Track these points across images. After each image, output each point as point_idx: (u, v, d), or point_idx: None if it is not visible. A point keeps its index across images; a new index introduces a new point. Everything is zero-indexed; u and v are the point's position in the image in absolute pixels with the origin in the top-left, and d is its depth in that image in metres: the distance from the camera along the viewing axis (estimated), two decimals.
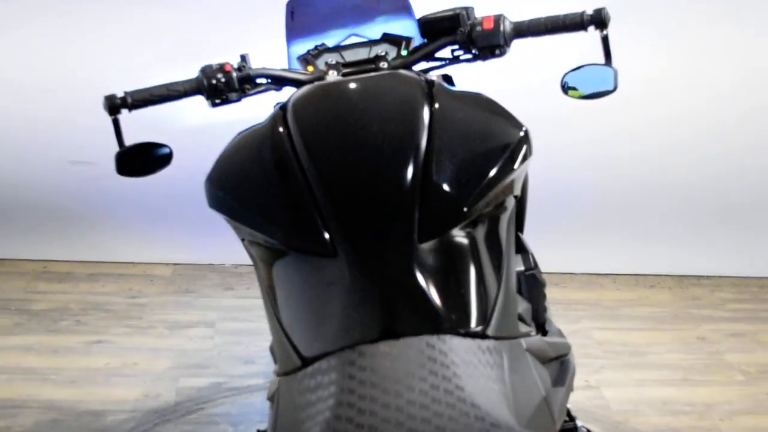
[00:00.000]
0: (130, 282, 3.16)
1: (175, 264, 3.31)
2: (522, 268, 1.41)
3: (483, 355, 1.04)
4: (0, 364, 2.57)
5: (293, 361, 1.10)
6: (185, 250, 3.32)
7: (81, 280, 3.15)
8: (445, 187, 1.11)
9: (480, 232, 1.14)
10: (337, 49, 1.55)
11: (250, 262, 1.36)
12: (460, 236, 1.11)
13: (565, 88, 1.52)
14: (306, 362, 1.07)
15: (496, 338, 1.09)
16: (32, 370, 2.55)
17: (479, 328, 1.07)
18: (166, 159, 1.54)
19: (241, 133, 1.31)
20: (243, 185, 1.23)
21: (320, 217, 1.10)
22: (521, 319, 1.26)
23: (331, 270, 1.07)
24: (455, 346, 1.01)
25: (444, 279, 1.07)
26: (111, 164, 3.12)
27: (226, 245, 3.16)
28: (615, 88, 1.46)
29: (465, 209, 1.11)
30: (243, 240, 1.31)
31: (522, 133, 1.21)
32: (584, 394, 2.59)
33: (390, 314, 1.04)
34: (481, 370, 1.01)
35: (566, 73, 1.50)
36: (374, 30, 1.57)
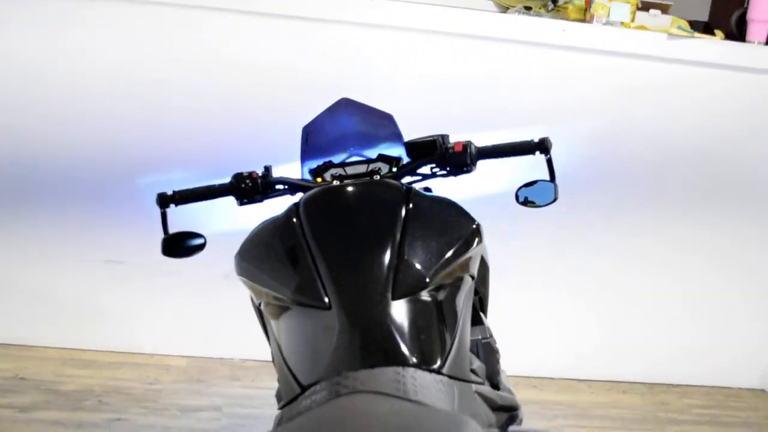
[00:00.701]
0: (149, 371, 3.48)
1: (189, 357, 3.64)
2: (479, 336, 1.77)
3: (438, 385, 1.39)
4: None
5: (293, 389, 1.45)
6: (200, 345, 3.65)
7: (104, 367, 3.48)
8: (414, 262, 1.50)
9: (440, 297, 1.52)
10: (341, 165, 1.95)
11: (256, 357, 1.62)
12: (424, 298, 1.48)
13: (520, 200, 1.92)
14: (303, 389, 1.42)
15: (449, 377, 1.44)
16: None
17: (436, 366, 1.42)
18: (201, 246, 1.93)
19: (263, 221, 1.71)
20: (264, 258, 1.62)
21: (320, 281, 1.48)
22: (474, 372, 1.61)
23: (326, 319, 1.45)
24: (417, 376, 1.36)
25: (410, 327, 1.44)
26: (139, 264, 3.54)
27: (235, 341, 3.55)
28: (556, 199, 1.87)
29: (427, 279, 1.50)
30: (259, 304, 1.68)
31: (474, 226, 1.62)
32: None
33: (369, 351, 1.40)
34: (436, 395, 1.36)
35: (519, 188, 1.91)
36: (371, 151, 1.96)
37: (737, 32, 3.72)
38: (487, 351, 1.78)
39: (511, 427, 1.00)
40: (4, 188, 3.41)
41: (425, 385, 1.35)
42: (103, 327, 3.60)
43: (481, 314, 1.87)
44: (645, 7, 3.62)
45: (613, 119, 3.52)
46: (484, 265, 1.84)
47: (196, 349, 3.65)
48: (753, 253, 3.80)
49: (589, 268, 3.72)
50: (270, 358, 1.65)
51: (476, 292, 1.82)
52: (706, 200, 3.69)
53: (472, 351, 1.73)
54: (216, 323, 3.61)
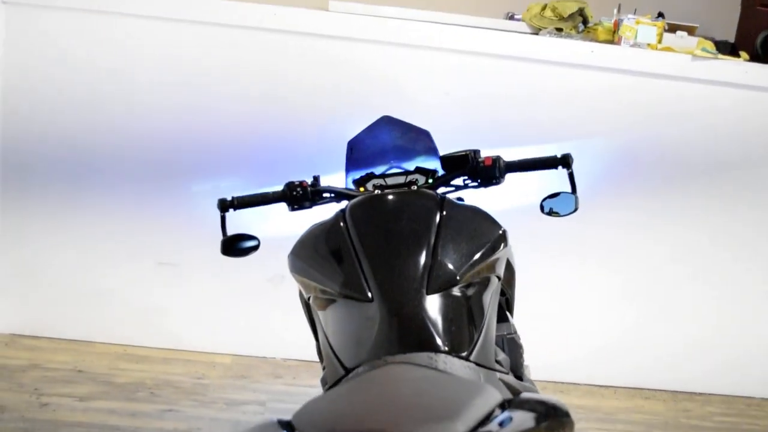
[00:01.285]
0: (197, 366, 3.71)
1: (234, 354, 3.87)
2: (505, 332, 1.96)
3: (465, 369, 1.58)
4: (89, 421, 3.11)
5: (338, 371, 1.65)
6: (244, 344, 3.87)
7: (155, 362, 3.72)
8: (446, 261, 1.70)
9: (469, 293, 1.71)
10: (382, 176, 2.15)
11: (297, 357, 1.78)
12: (455, 293, 1.68)
13: (545, 211, 2.12)
14: (347, 371, 1.62)
15: (476, 364, 1.63)
16: (115, 427, 3.09)
17: (464, 353, 1.62)
18: (256, 247, 2.14)
19: (313, 225, 1.92)
20: (314, 257, 1.83)
21: (364, 277, 1.69)
22: (499, 363, 1.80)
23: (368, 310, 1.65)
24: (448, 360, 1.56)
25: (442, 318, 1.64)
26: (190, 266, 3.77)
27: (277, 341, 3.77)
28: (577, 209, 2.06)
29: (458, 277, 1.70)
30: (308, 299, 1.89)
31: (501, 232, 1.82)
32: None
33: (405, 338, 1.60)
34: (464, 378, 1.55)
35: (544, 199, 2.11)
36: (410, 164, 2.17)
37: (762, 53, 3.87)
38: (511, 346, 1.97)
39: (523, 394, 1.17)
40: (66, 189, 3.66)
41: (454, 368, 1.54)
42: (155, 325, 3.84)
43: (507, 313, 2.06)
44: (672, 29, 3.79)
45: (639, 136, 3.69)
46: (510, 269, 2.03)
47: (240, 348, 3.88)
48: None
49: (617, 279, 3.88)
50: (310, 358, 1.84)
51: (503, 293, 2.02)
52: (728, 211, 3.82)
53: (497, 345, 1.93)
54: (260, 324, 3.83)
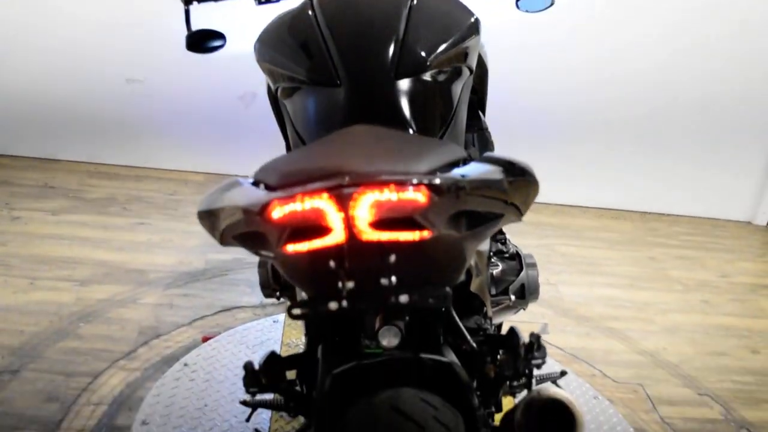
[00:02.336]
0: (169, 184, 3.70)
1: (206, 173, 3.85)
2: (476, 128, 1.93)
3: None
4: (61, 233, 3.11)
5: None
6: (217, 163, 3.84)
7: (127, 179, 3.70)
8: (416, 47, 1.64)
9: (440, 79, 1.66)
10: None
11: None
12: (424, 78, 1.63)
13: (522, 9, 2.03)
14: None
15: None
16: (87, 239, 3.10)
17: (434, 136, 1.59)
18: (221, 45, 2.05)
19: (280, 14, 1.83)
20: (281, 44, 1.75)
21: (332, 62, 1.63)
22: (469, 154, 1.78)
23: (336, 95, 1.60)
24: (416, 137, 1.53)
25: (411, 102, 1.59)
26: (159, 82, 3.66)
27: (248, 160, 3.72)
28: (552, 3, 1.98)
29: (428, 63, 1.64)
30: (276, 90, 1.83)
31: (472, 19, 1.74)
32: (542, 289, 3.09)
33: (373, 121, 1.56)
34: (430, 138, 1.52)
35: None
36: None
37: None
38: (482, 140, 1.94)
39: (486, 154, 1.15)
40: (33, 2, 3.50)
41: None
42: (125, 143, 3.79)
43: (479, 112, 2.02)
44: None
45: None
46: (482, 66, 1.98)
47: (213, 167, 3.85)
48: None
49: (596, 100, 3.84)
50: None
51: (475, 92, 1.97)
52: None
53: (468, 141, 1.90)
54: (232, 143, 3.79)
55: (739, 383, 2.67)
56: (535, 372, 1.45)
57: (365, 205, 0.95)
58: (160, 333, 2.52)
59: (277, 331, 2.49)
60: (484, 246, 1.71)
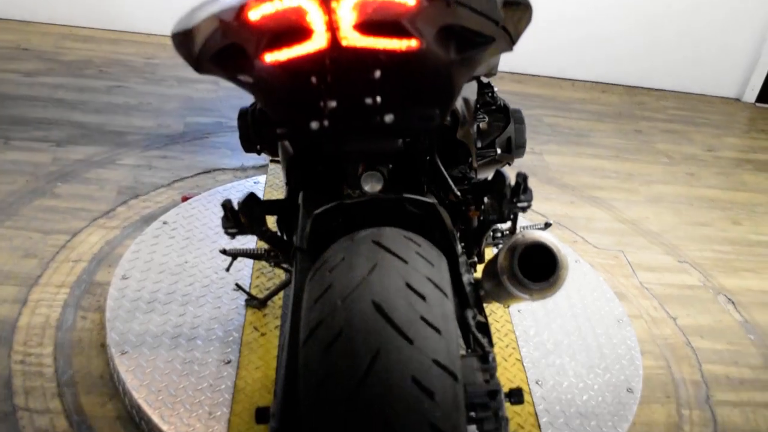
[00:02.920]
0: (146, 48, 3.58)
1: None
2: None
3: None
4: (35, 94, 3.02)
5: None
6: None
7: (104, 42, 3.57)
8: None
9: None
10: None
11: None
12: None
13: None
14: None
15: None
16: (62, 101, 3.01)
17: None
18: None
19: None
20: None
21: None
22: None
23: None
24: None
25: None
26: None
27: None
28: None
29: None
30: None
31: None
32: (528, 158, 3.07)
33: None
34: None
35: None
36: None
37: None
38: None
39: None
40: None
41: None
42: (101, 6, 3.64)
43: None
44: None
45: None
46: None
47: None
48: None
49: None
50: None
51: None
52: None
53: None
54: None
55: (719, 252, 2.68)
56: (520, 223, 1.43)
57: (349, 4, 0.88)
58: (139, 193, 2.48)
59: (258, 193, 2.46)
60: (472, 95, 1.65)
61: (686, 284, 2.46)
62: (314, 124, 0.95)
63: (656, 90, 4.04)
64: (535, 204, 2.73)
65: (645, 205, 2.91)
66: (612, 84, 4.00)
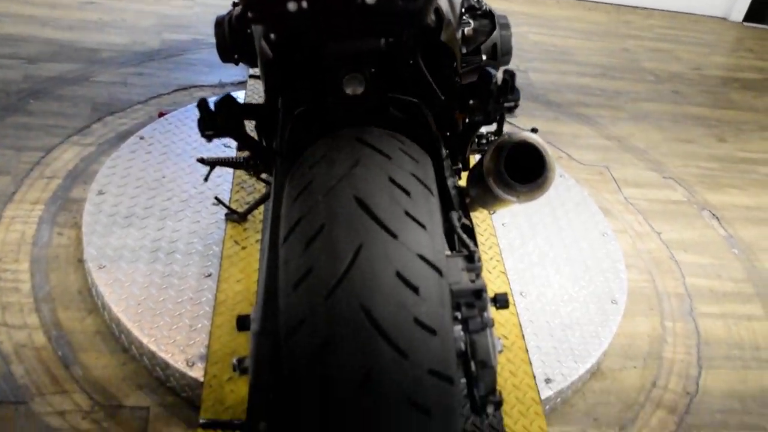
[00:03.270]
0: None
1: None
2: None
3: None
4: (2, 11, 2.90)
5: None
6: None
7: None
8: None
9: None
10: None
11: None
12: None
13: None
14: None
15: None
16: (32, 17, 2.90)
17: None
18: None
19: None
20: None
21: None
22: None
23: None
24: None
25: None
26: None
27: None
28: None
29: None
30: None
31: None
32: None
33: None
34: None
35: None
36: None
37: None
38: None
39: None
40: None
41: None
42: None
43: None
44: None
45: None
46: None
47: None
48: None
49: None
50: None
51: None
52: None
53: None
54: None
55: (704, 168, 2.66)
56: (505, 129, 1.39)
57: None
58: (115, 110, 2.41)
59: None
60: None
61: (671, 200, 2.45)
62: (291, 5, 0.90)
63: (643, 8, 3.96)
64: (519, 121, 2.68)
65: (631, 122, 2.87)
66: (598, 2, 3.92)
